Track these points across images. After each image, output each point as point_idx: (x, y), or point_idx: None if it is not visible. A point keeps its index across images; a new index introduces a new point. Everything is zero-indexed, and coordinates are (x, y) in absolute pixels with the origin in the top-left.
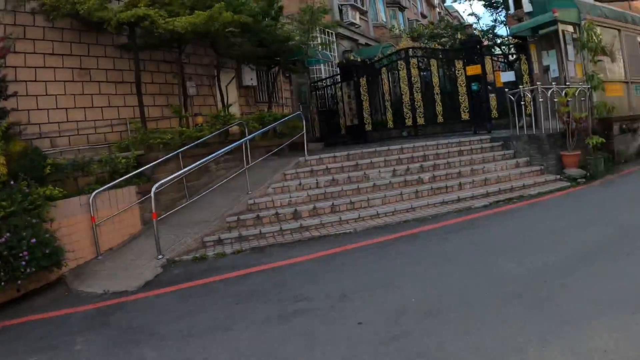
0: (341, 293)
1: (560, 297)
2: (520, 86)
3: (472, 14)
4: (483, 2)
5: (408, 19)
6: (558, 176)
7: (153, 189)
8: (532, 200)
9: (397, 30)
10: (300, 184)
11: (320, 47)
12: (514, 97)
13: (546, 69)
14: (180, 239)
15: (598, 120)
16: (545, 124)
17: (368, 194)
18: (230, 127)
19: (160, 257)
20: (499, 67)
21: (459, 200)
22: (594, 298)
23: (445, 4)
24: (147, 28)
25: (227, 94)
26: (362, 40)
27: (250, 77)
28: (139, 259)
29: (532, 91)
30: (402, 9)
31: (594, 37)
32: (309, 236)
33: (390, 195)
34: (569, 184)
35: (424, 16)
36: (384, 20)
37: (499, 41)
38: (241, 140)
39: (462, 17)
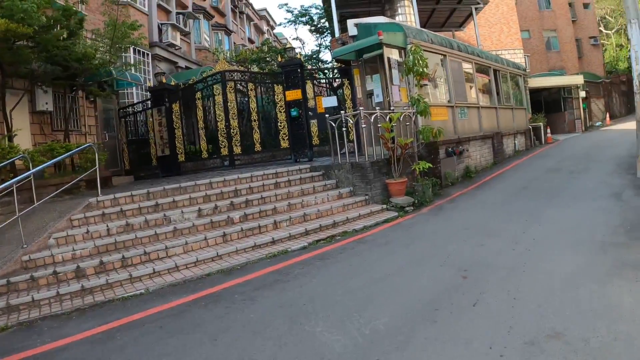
0: None
1: None
2: (342, 111)
3: (296, 39)
4: (308, 27)
5: (234, 43)
6: (384, 206)
7: None
8: (357, 236)
9: (221, 53)
10: (87, 232)
11: (130, 68)
12: (334, 123)
13: (370, 94)
14: None
15: (424, 145)
16: (369, 151)
17: (167, 240)
18: (9, 162)
19: None
20: (320, 92)
21: (273, 242)
22: None
23: (274, 31)
24: None
25: (11, 120)
26: (183, 63)
27: (45, 101)
28: None
29: (355, 117)
30: (228, 32)
31: (420, 61)
32: (91, 302)
33: (193, 241)
34: (396, 213)
35: (251, 41)
36: (208, 43)
37: (323, 66)
38: (11, 181)
39: (290, 44)
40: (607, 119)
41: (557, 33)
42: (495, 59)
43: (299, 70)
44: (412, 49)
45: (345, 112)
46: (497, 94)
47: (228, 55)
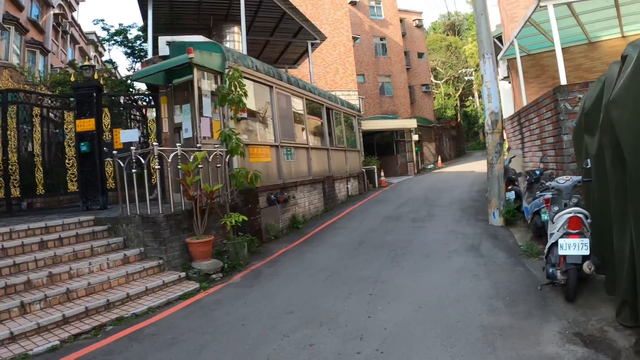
0: None
1: None
2: (132, 148)
3: (109, 62)
4: (124, 50)
5: (51, 65)
6: (183, 273)
7: None
8: (135, 325)
9: (31, 74)
10: None
11: None
12: (123, 162)
13: (179, 128)
14: None
15: (240, 192)
16: (176, 199)
17: None
18: None
19: None
20: (126, 123)
21: (12, 338)
22: None
23: (103, 58)
24: None
25: None
26: None
27: None
28: None
29: (146, 155)
30: (45, 52)
31: (238, 89)
32: None
33: None
34: (198, 285)
35: (74, 67)
36: (18, 60)
37: (136, 93)
38: None
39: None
40: (439, 161)
41: (392, 79)
42: (329, 97)
43: (94, 94)
44: (231, 73)
45: (136, 149)
46: (330, 134)
47: (39, 77)
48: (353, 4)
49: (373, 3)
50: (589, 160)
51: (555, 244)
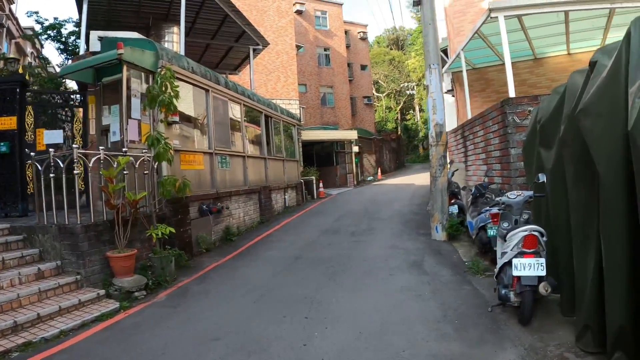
0: None
1: None
2: (51, 150)
3: (40, 57)
4: (57, 45)
5: None
6: (103, 291)
7: None
8: (43, 353)
9: None
10: None
11: None
12: (41, 165)
13: (107, 130)
14: None
15: (169, 202)
16: (99, 207)
17: None
18: None
19: None
20: (47, 123)
21: None
22: None
23: (41, 56)
24: None
25: None
26: None
27: None
28: None
29: (66, 159)
30: None
31: (170, 90)
32: None
33: None
34: (117, 305)
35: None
36: None
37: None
38: None
39: (54, 69)
40: (379, 173)
41: (334, 90)
42: (269, 104)
43: (18, 90)
44: (163, 72)
45: (55, 152)
46: (268, 143)
47: None
48: (299, 13)
49: (319, 13)
50: (540, 175)
51: (509, 263)
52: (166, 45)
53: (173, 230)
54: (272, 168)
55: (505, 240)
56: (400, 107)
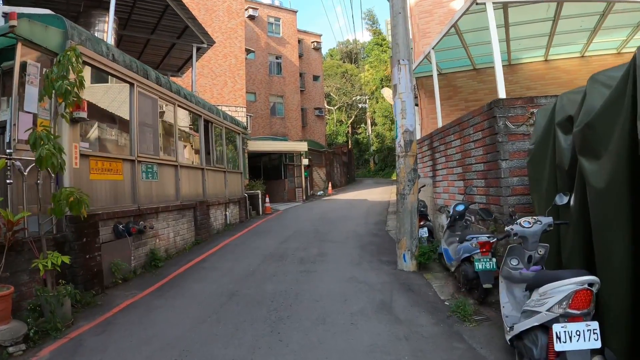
0: None
1: None
2: None
3: None
4: None
5: None
6: None
7: None
8: None
9: None
10: None
11: None
12: None
13: (3, 127)
14: None
15: (72, 221)
16: None
17: None
18: None
19: None
20: None
21: None
22: None
23: None
24: None
25: None
26: None
27: None
28: None
29: None
30: None
31: (74, 75)
32: None
33: None
34: None
35: None
36: None
37: None
38: None
39: None
40: (330, 188)
41: (285, 99)
42: (209, 108)
43: None
44: (69, 54)
45: None
46: (208, 151)
47: None
48: (251, 18)
49: (272, 20)
50: (559, 197)
51: (541, 328)
52: (96, 35)
53: (66, 259)
54: (212, 180)
55: (527, 290)
56: (351, 120)
